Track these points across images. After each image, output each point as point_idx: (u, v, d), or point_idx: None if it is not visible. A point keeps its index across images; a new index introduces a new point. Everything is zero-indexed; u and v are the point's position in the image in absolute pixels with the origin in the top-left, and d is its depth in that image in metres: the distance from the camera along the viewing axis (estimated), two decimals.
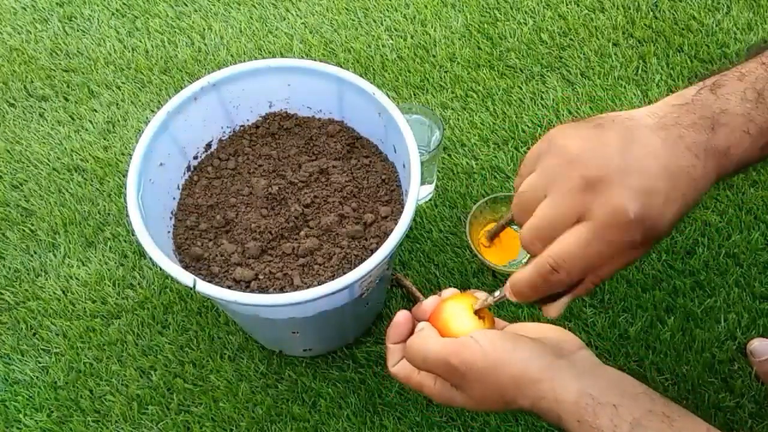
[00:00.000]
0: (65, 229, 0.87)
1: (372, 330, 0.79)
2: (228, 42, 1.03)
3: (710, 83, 0.42)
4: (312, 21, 1.05)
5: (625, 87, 0.96)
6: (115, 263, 0.85)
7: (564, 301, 0.46)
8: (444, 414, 0.74)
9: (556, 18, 1.03)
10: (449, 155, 0.91)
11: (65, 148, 0.94)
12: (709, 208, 0.85)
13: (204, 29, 1.05)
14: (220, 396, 0.76)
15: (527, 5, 1.05)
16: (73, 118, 0.97)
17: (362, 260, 0.59)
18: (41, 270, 0.85)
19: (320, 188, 0.69)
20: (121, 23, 1.06)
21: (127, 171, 0.67)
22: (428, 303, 0.52)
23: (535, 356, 0.45)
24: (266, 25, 1.05)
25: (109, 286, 0.83)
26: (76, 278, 0.84)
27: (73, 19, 1.07)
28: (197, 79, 0.69)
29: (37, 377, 0.78)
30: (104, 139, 0.95)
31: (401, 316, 0.52)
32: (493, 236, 0.81)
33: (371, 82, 0.67)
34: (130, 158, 0.63)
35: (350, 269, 0.58)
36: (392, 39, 1.02)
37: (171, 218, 0.68)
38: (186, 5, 1.08)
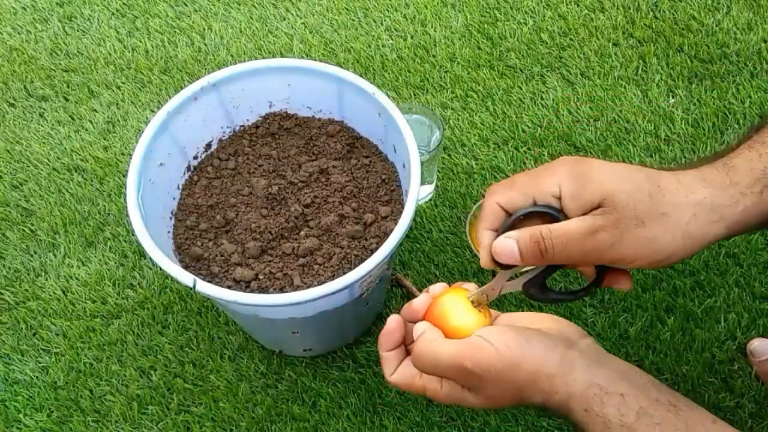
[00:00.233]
0: (65, 229, 0.87)
1: (372, 330, 0.79)
2: (228, 42, 1.03)
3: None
4: (312, 21, 1.05)
5: (625, 87, 0.96)
6: (115, 263, 0.85)
7: (505, 234, 0.47)
8: (444, 414, 0.74)
9: (556, 18, 1.03)
10: (449, 155, 0.91)
11: (65, 148, 0.94)
12: None
13: (204, 29, 1.05)
14: (220, 396, 0.76)
15: (527, 5, 1.05)
16: (73, 118, 0.97)
17: (362, 260, 0.59)
18: (41, 270, 0.85)
19: (320, 188, 0.69)
20: (121, 23, 1.06)
21: (127, 171, 0.67)
22: (419, 302, 0.50)
23: (549, 351, 0.45)
24: (266, 25, 1.05)
25: (109, 286, 0.83)
26: (76, 278, 0.84)
27: (73, 19, 1.07)
28: (197, 79, 0.69)
29: (37, 377, 0.78)
30: (104, 139, 0.95)
31: (393, 322, 0.50)
32: None
33: (371, 82, 0.67)
34: (130, 158, 0.63)
35: (350, 269, 0.58)
36: (392, 39, 1.03)
37: (171, 218, 0.68)
38: (186, 5, 1.08)
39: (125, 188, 0.61)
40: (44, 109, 0.98)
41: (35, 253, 0.86)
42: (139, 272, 0.84)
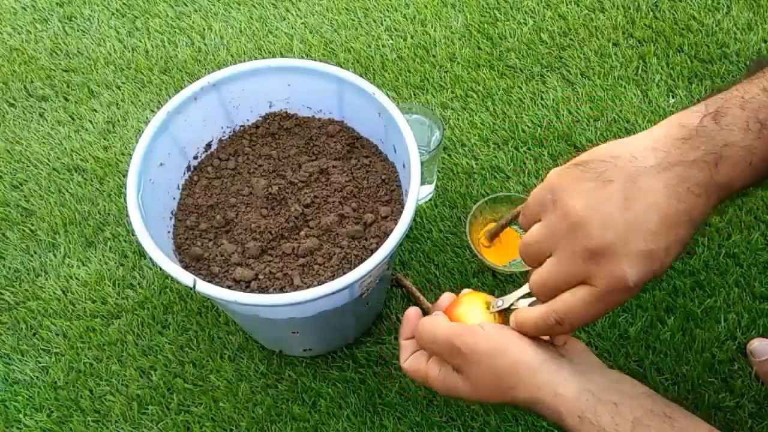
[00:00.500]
0: (65, 229, 0.87)
1: (372, 330, 0.79)
2: (228, 42, 1.03)
3: (713, 110, 0.42)
4: (312, 21, 1.05)
5: (625, 87, 0.96)
6: (115, 263, 0.85)
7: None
8: (444, 414, 0.74)
9: (556, 18, 1.03)
10: (449, 155, 0.91)
11: (65, 148, 0.94)
12: None
13: (204, 29, 1.05)
14: (220, 396, 0.76)
15: (527, 5, 1.05)
16: (73, 118, 0.97)
17: (362, 260, 0.59)
18: (41, 270, 0.85)
19: (320, 188, 0.69)
20: (121, 23, 1.06)
21: (127, 171, 0.67)
22: (444, 297, 0.55)
23: (535, 347, 0.47)
24: (266, 25, 1.05)
25: (109, 286, 0.83)
26: (76, 278, 0.84)
27: (73, 19, 1.07)
28: (197, 79, 0.69)
29: (37, 377, 0.78)
30: (104, 139, 0.95)
31: (412, 311, 0.55)
32: (493, 236, 0.82)
33: (371, 82, 0.67)
34: (130, 158, 0.63)
35: (350, 269, 0.58)
36: (392, 39, 1.02)
37: (171, 218, 0.68)
38: (186, 5, 1.08)
39: (125, 188, 0.61)
40: (44, 109, 0.98)
41: (35, 253, 0.86)
42: (139, 272, 0.84)
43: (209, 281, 0.63)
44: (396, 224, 0.59)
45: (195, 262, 0.65)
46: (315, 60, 0.77)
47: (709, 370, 0.75)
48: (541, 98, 0.96)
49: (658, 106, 0.94)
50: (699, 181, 0.41)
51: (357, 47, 1.01)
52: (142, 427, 0.75)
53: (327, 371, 0.77)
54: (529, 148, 0.91)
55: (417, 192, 0.60)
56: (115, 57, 1.03)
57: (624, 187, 0.42)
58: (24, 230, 0.88)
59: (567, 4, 1.05)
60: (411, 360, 0.53)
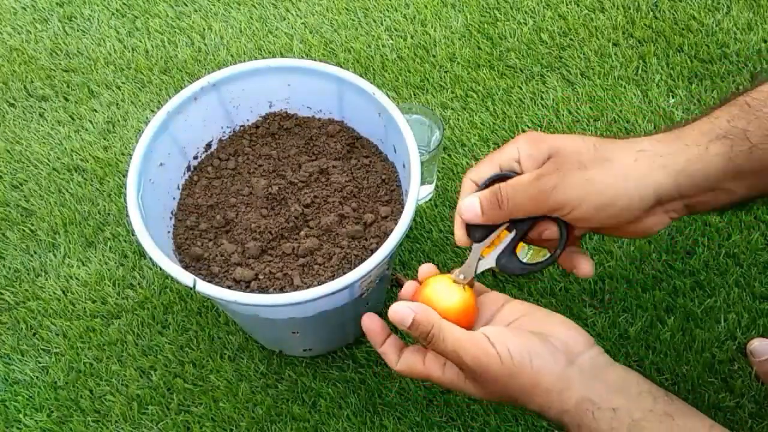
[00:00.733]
0: (65, 229, 0.87)
1: None
2: (228, 42, 1.03)
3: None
4: (312, 21, 1.05)
5: (625, 87, 0.96)
6: (115, 263, 0.85)
7: (470, 195, 0.51)
8: (444, 414, 0.74)
9: (556, 18, 1.03)
10: (449, 155, 0.91)
11: (65, 148, 0.94)
12: None
13: (204, 29, 1.05)
14: (220, 396, 0.76)
15: (527, 5, 1.05)
16: (73, 118, 0.97)
17: (362, 260, 0.59)
18: (41, 270, 0.85)
19: (320, 188, 0.69)
20: (121, 23, 1.06)
21: (127, 171, 0.67)
22: (405, 291, 0.53)
23: (548, 367, 0.45)
24: (266, 25, 1.05)
25: (109, 286, 0.83)
26: (76, 278, 0.84)
27: (73, 19, 1.07)
28: (197, 79, 0.69)
29: (37, 377, 0.78)
30: (104, 139, 0.95)
31: (368, 320, 0.52)
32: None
33: (371, 82, 0.67)
34: (130, 158, 0.63)
35: (350, 269, 0.58)
36: (392, 39, 1.02)
37: (171, 218, 0.68)
38: (186, 5, 1.08)
39: (125, 188, 0.61)
40: (44, 109, 0.98)
41: (35, 253, 0.86)
42: (139, 272, 0.84)
43: (209, 281, 0.63)
44: (396, 224, 0.59)
45: (195, 262, 0.65)
46: (315, 60, 0.77)
47: (709, 370, 0.75)
48: (541, 98, 0.96)
49: (658, 106, 0.94)
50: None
51: (357, 47, 1.01)
52: (142, 427, 0.75)
53: (327, 371, 0.77)
54: None
55: (417, 192, 0.60)
56: (115, 57, 1.03)
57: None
58: (24, 230, 0.88)
59: (567, 4, 1.05)
60: (403, 361, 0.51)
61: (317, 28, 1.04)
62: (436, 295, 0.50)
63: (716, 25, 1.00)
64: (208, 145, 0.72)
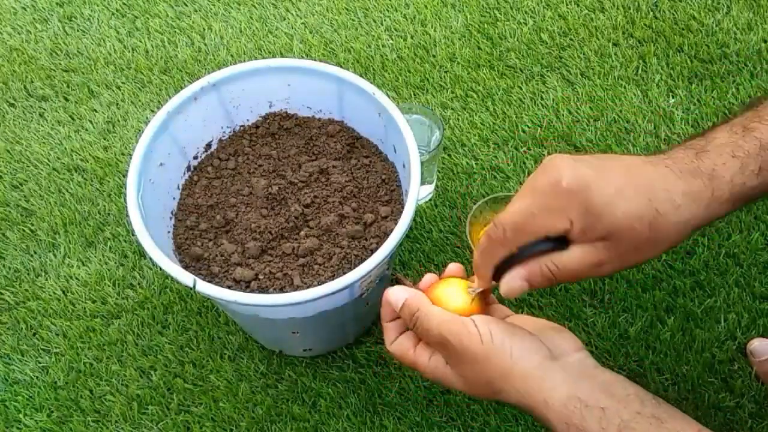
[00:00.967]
0: (65, 229, 0.87)
1: (372, 330, 0.79)
2: (228, 42, 1.03)
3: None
4: (312, 21, 1.05)
5: (625, 87, 0.96)
6: (115, 263, 0.85)
7: (515, 274, 0.48)
8: (444, 414, 0.74)
9: (556, 18, 1.03)
10: (449, 155, 0.91)
11: (65, 148, 0.94)
12: None
13: (204, 29, 1.05)
14: (220, 396, 0.76)
15: (527, 5, 1.05)
16: (73, 118, 0.97)
17: (362, 260, 0.59)
18: (41, 270, 0.85)
19: (320, 188, 0.69)
20: (121, 23, 1.06)
21: (127, 171, 0.67)
22: (427, 277, 0.54)
23: (526, 353, 0.46)
24: (266, 25, 1.05)
25: (109, 286, 0.83)
26: (76, 278, 0.84)
27: (73, 19, 1.07)
28: (197, 79, 0.69)
29: (37, 377, 0.78)
30: (104, 139, 0.95)
31: (393, 292, 0.53)
32: None
33: (371, 82, 0.67)
34: (130, 158, 0.63)
35: (350, 269, 0.58)
36: (392, 39, 1.03)
37: (171, 218, 0.68)
38: (186, 5, 1.08)
39: (125, 188, 0.61)
40: (44, 109, 0.98)
41: (35, 253, 0.86)
42: (139, 272, 0.84)
43: (209, 281, 0.63)
44: (396, 224, 0.59)
45: (195, 262, 0.65)
46: (315, 60, 0.77)
47: (709, 370, 0.75)
48: (541, 98, 0.96)
49: (658, 106, 0.94)
50: (681, 167, 0.46)
51: (357, 47, 1.01)
52: (142, 427, 0.75)
53: (327, 371, 0.77)
54: (529, 148, 0.91)
55: (417, 192, 0.60)
56: (115, 57, 1.03)
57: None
58: (24, 230, 0.88)
59: (567, 4, 1.05)
60: (398, 343, 0.52)
61: (317, 28, 1.04)
62: (444, 293, 0.52)
63: (716, 25, 1.00)
64: (208, 145, 0.72)
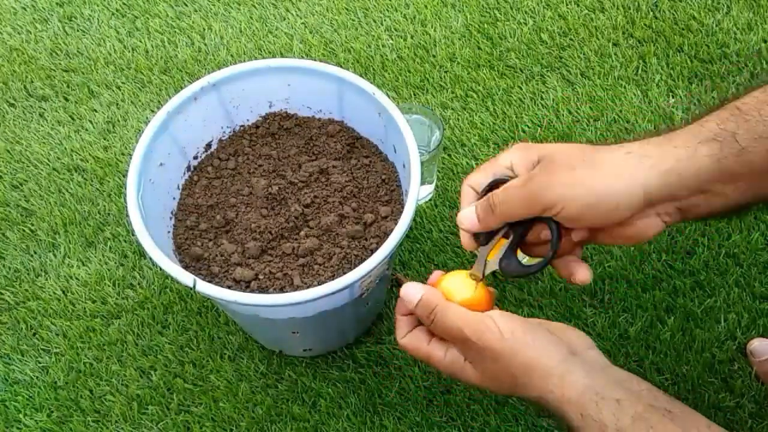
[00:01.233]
0: (65, 229, 0.87)
1: (372, 330, 0.79)
2: (228, 42, 1.03)
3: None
4: (312, 21, 1.05)
5: (625, 87, 0.96)
6: (115, 263, 0.85)
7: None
8: (444, 414, 0.74)
9: (556, 18, 1.03)
10: (449, 155, 0.91)
11: (65, 148, 0.94)
12: None
13: (204, 29, 1.05)
14: (220, 396, 0.76)
15: (527, 5, 1.05)
16: (73, 118, 0.97)
17: (362, 260, 0.59)
18: (41, 270, 0.85)
19: (320, 188, 0.69)
20: (121, 23, 1.06)
21: (127, 171, 0.67)
22: (434, 275, 0.55)
23: (550, 349, 0.47)
24: (266, 25, 1.05)
25: (109, 286, 0.83)
26: (76, 278, 0.84)
27: (73, 19, 1.07)
28: (197, 79, 0.69)
29: (37, 377, 0.78)
30: (104, 139, 0.95)
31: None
32: None
33: (371, 82, 0.67)
34: (130, 158, 0.63)
35: (350, 269, 0.58)
36: (392, 39, 1.02)
37: (171, 218, 0.68)
38: (186, 5, 1.08)
39: (125, 188, 0.61)
40: (44, 109, 0.98)
41: (35, 253, 0.86)
42: (139, 272, 0.84)
43: (209, 281, 0.63)
44: (396, 224, 0.59)
45: (195, 262, 0.65)
46: (315, 60, 0.77)
47: (709, 370, 0.75)
48: (541, 98, 0.96)
49: (658, 106, 0.94)
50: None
51: (357, 47, 1.01)
52: (142, 427, 0.75)
53: (327, 371, 0.77)
54: None
55: (417, 192, 0.60)
56: (115, 57, 1.03)
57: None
58: (24, 230, 0.88)
59: (567, 4, 1.05)
60: (410, 337, 0.52)
61: (317, 28, 1.04)
62: (450, 286, 0.52)
63: (716, 25, 1.00)
64: (208, 145, 0.72)
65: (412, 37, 1.02)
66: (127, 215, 0.62)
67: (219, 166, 0.72)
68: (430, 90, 0.97)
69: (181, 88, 0.69)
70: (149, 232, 0.59)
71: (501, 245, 0.53)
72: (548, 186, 0.46)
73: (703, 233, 0.83)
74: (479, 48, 1.01)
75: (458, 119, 0.94)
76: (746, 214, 0.82)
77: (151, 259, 0.57)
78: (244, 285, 0.63)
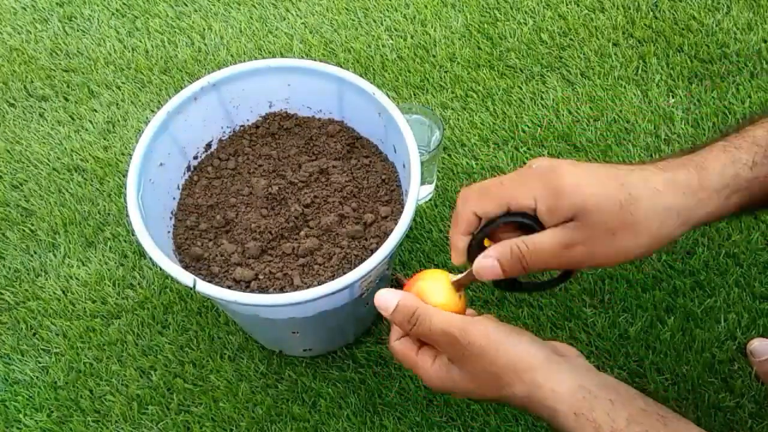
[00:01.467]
0: (65, 229, 0.87)
1: (372, 330, 0.79)
2: (228, 42, 1.03)
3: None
4: (312, 21, 1.05)
5: (625, 87, 0.96)
6: (115, 263, 0.85)
7: (486, 252, 0.48)
8: (444, 414, 0.74)
9: (556, 18, 1.03)
10: (449, 155, 0.91)
11: (65, 148, 0.94)
12: None
13: (204, 29, 1.05)
14: (220, 396, 0.76)
15: (527, 5, 1.05)
16: (73, 118, 0.97)
17: (362, 260, 0.59)
18: (41, 270, 0.85)
19: (320, 188, 0.69)
20: (121, 23, 1.06)
21: (127, 171, 0.67)
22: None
23: (536, 347, 0.47)
24: (266, 25, 1.05)
25: (109, 286, 0.83)
26: (76, 278, 0.84)
27: (73, 19, 1.07)
28: (197, 79, 0.69)
29: (37, 377, 0.78)
30: (104, 139, 0.95)
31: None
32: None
33: (371, 82, 0.67)
34: (130, 158, 0.63)
35: (350, 269, 0.58)
36: (392, 39, 1.02)
37: (171, 218, 0.68)
38: (186, 5, 1.08)
39: (125, 188, 0.61)
40: (44, 109, 0.98)
41: (35, 253, 0.86)
42: (139, 272, 0.84)
43: (209, 281, 0.63)
44: (396, 224, 0.59)
45: (195, 262, 0.65)
46: (315, 60, 0.77)
47: (709, 370, 0.75)
48: (541, 98, 0.96)
49: (658, 106, 0.94)
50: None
51: (357, 47, 1.01)
52: (142, 427, 0.75)
53: (327, 371, 0.77)
54: (529, 148, 0.91)
55: (417, 192, 0.60)
56: (115, 57, 1.03)
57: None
58: (24, 230, 0.88)
59: (567, 4, 1.05)
60: (402, 342, 0.51)
61: (317, 28, 1.04)
62: (430, 289, 0.51)
63: (716, 25, 1.00)
64: (208, 145, 0.72)
65: (412, 37, 1.02)
66: (127, 215, 0.62)
67: (219, 166, 0.72)
68: (430, 90, 0.97)
69: (181, 88, 0.69)
70: (149, 232, 0.59)
71: None
72: (590, 258, 0.45)
73: (703, 233, 0.83)
74: (479, 48, 1.01)
75: (458, 119, 0.94)
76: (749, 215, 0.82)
77: (151, 259, 0.57)
78: (244, 285, 0.63)
